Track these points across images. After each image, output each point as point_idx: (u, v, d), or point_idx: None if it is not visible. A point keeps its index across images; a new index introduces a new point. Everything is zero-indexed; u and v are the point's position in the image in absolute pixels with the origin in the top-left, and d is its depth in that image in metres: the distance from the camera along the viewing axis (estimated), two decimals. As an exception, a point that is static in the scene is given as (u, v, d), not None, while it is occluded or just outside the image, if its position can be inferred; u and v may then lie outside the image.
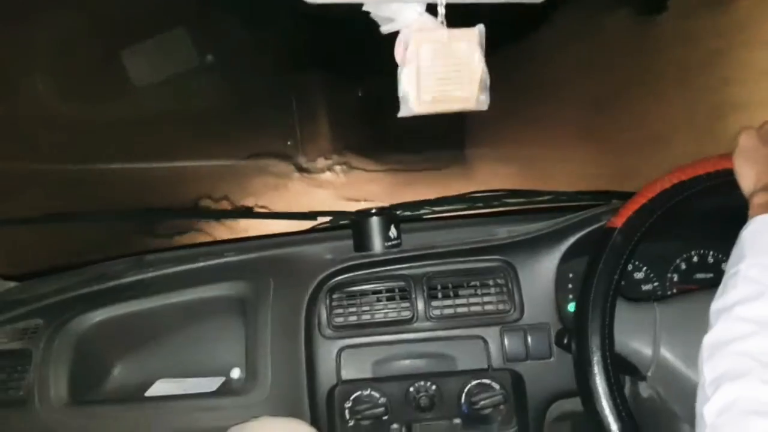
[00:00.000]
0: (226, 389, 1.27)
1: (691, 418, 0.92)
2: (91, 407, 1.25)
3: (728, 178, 0.93)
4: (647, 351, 1.02)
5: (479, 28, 0.78)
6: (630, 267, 1.33)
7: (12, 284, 1.48)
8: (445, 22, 0.76)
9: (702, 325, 0.78)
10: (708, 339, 0.77)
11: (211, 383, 1.29)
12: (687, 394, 0.94)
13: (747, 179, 0.90)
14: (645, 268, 1.33)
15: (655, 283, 1.33)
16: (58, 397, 1.23)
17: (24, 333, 1.29)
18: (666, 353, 1.00)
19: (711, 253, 1.33)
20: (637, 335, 1.02)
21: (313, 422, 1.17)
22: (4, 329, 1.31)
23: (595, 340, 0.94)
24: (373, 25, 0.80)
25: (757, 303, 0.75)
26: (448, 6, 0.76)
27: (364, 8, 0.77)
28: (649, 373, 1.02)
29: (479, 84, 0.77)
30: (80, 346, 1.28)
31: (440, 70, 0.76)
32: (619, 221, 0.99)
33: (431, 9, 0.77)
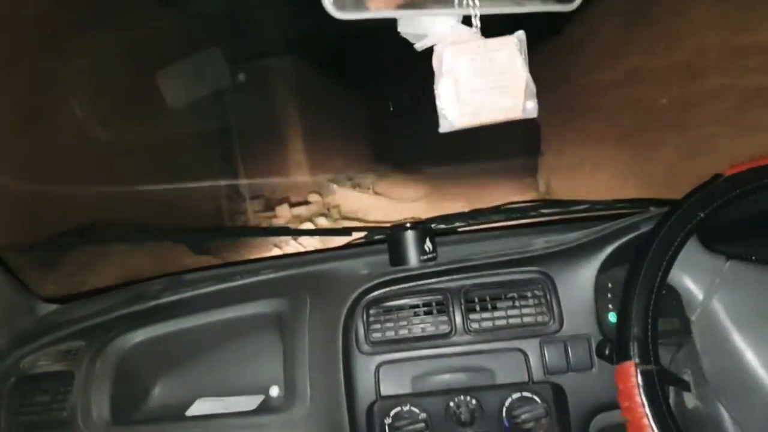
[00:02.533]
0: (266, 407, 1.28)
1: (736, 407, 0.90)
2: (133, 427, 1.27)
3: None
4: (698, 294, 1.00)
5: (518, 36, 0.77)
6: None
7: (54, 307, 1.51)
8: (479, 32, 0.75)
9: (762, 299, 0.76)
10: None
11: (251, 401, 1.29)
12: (725, 357, 0.95)
13: None
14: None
15: None
16: (100, 417, 1.24)
17: (66, 355, 1.31)
18: (716, 304, 0.98)
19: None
20: (696, 274, 1.00)
21: None
22: (47, 351, 1.33)
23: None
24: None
25: None
26: (485, 16, 0.75)
27: (399, 30, 0.77)
28: (693, 317, 1.00)
29: (524, 92, 0.76)
30: (121, 366, 1.29)
31: (480, 80, 0.75)
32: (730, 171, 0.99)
33: (466, 20, 0.76)
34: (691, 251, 0.98)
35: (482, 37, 0.75)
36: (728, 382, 0.96)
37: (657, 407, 0.88)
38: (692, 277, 1.00)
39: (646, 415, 0.88)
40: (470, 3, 0.74)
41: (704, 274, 1.00)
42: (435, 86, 0.75)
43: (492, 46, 0.76)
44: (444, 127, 0.76)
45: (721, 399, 0.99)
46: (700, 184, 1.00)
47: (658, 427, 0.87)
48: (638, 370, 0.90)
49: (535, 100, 0.77)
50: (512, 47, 0.76)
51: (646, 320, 0.93)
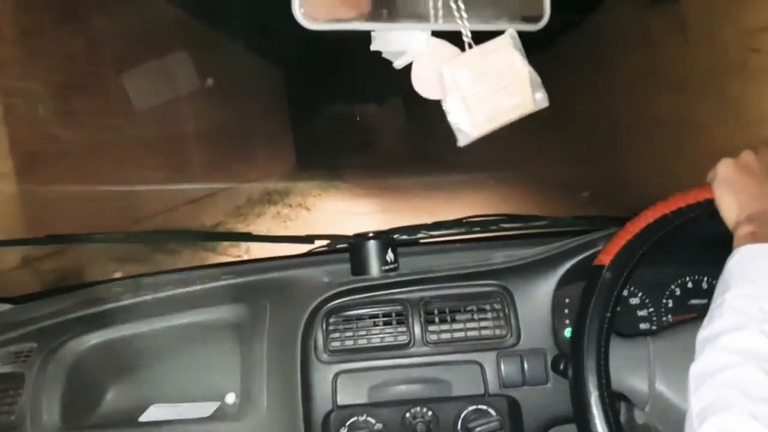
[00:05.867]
0: (221, 414, 1.26)
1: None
2: None
3: (711, 209, 0.94)
4: (643, 387, 1.01)
5: (509, 33, 0.78)
6: (625, 293, 1.32)
7: (6, 306, 1.47)
8: (472, 45, 0.76)
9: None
10: (694, 369, 0.76)
11: (206, 408, 1.28)
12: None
13: (729, 210, 0.91)
14: (640, 294, 1.33)
15: (651, 309, 1.32)
16: (50, 421, 1.21)
17: (17, 356, 1.28)
18: (662, 388, 1.00)
19: (705, 278, 1.33)
20: (632, 371, 1.02)
21: None
22: None
23: (591, 374, 0.94)
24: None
25: (741, 333, 0.75)
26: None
27: (372, 48, 0.77)
28: (646, 409, 1.02)
29: (530, 85, 0.77)
30: (74, 369, 1.26)
31: (484, 87, 0.75)
32: (606, 258, 1.00)
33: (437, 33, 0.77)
34: (616, 348, 0.99)
35: (475, 45, 0.76)
36: None
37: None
38: (630, 374, 1.02)
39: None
40: (445, 16, 0.75)
41: (637, 364, 1.02)
42: (443, 105, 0.76)
43: (487, 50, 0.76)
44: (462, 141, 0.77)
45: None
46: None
47: None
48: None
49: (543, 90, 0.78)
50: (507, 46, 0.77)
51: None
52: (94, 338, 1.29)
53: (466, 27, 0.76)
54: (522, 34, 0.78)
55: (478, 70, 0.76)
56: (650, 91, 6.20)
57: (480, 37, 0.77)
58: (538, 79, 0.78)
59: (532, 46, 0.78)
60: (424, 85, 0.77)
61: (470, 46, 0.77)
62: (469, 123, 0.75)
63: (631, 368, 1.02)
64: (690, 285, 1.34)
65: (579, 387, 0.94)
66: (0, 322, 1.40)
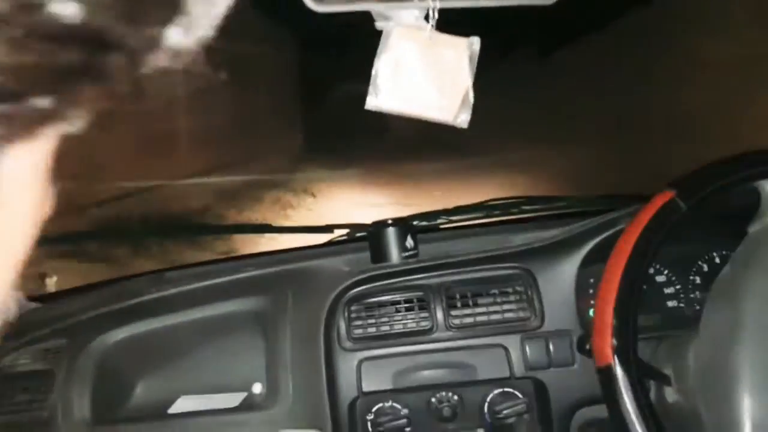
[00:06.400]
0: (249, 404, 1.27)
1: (717, 420, 0.91)
2: (114, 426, 1.26)
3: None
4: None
5: (472, 40, 0.74)
6: (651, 270, 1.31)
7: (35, 305, 1.50)
8: (434, 27, 0.74)
9: None
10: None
11: (234, 399, 1.29)
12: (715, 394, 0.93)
13: None
14: (666, 272, 1.31)
15: (678, 286, 1.31)
16: (81, 416, 1.23)
17: (47, 353, 1.30)
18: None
19: (732, 253, 1.31)
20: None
21: None
22: (28, 350, 1.32)
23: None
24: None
25: None
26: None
27: (365, 7, 0.75)
28: (751, 229, 0.99)
29: (461, 99, 0.74)
30: (103, 365, 1.28)
31: (421, 71, 0.72)
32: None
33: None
34: None
35: (435, 31, 0.73)
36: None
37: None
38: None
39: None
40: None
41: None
42: (375, 61, 0.73)
43: (441, 42, 0.73)
44: (370, 104, 0.74)
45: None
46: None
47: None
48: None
49: (470, 113, 0.74)
50: (462, 50, 0.74)
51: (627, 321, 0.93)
52: (121, 333, 1.31)
53: (435, 6, 0.72)
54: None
55: (424, 53, 0.73)
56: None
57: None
58: (472, 99, 0.75)
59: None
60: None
61: (433, 27, 0.74)
62: (387, 93, 0.72)
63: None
64: (717, 260, 1.32)
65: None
66: (29, 320, 1.42)
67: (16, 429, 1.25)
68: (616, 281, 0.92)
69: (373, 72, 0.74)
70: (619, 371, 0.90)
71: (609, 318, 0.92)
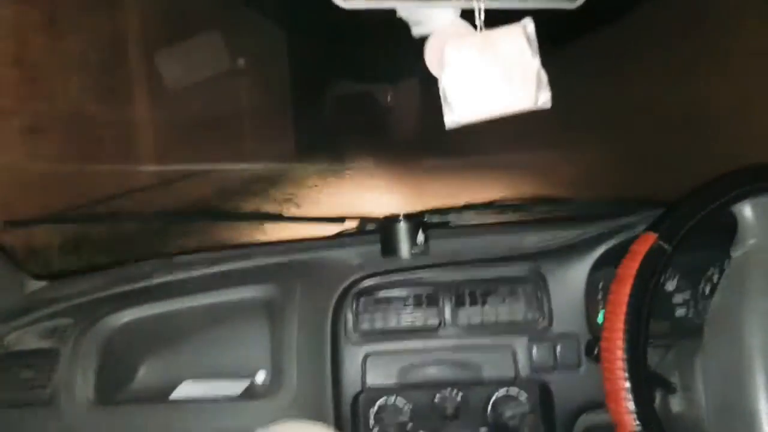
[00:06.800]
0: (252, 392, 1.27)
1: (719, 427, 0.89)
2: (116, 407, 1.26)
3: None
4: (755, 226, 0.96)
5: (524, 24, 0.73)
6: (661, 279, 1.30)
7: (42, 284, 1.50)
8: (483, 28, 0.73)
9: None
10: None
11: (237, 386, 1.29)
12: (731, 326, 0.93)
13: None
14: (677, 278, 1.30)
15: (687, 295, 1.30)
16: (84, 396, 1.24)
17: (53, 332, 1.30)
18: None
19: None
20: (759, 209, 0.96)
21: (338, 427, 1.16)
22: (34, 328, 1.33)
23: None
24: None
25: None
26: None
27: (398, 14, 0.75)
28: (734, 254, 0.98)
29: (536, 82, 0.73)
30: (108, 346, 1.28)
31: (487, 72, 0.71)
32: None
33: (466, 15, 0.75)
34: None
35: (485, 30, 0.73)
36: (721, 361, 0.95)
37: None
38: (754, 208, 0.96)
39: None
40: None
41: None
42: (439, 81, 0.73)
43: (495, 36, 0.72)
44: (449, 123, 0.73)
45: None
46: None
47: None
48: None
49: (548, 91, 0.73)
50: (518, 35, 0.73)
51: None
52: (128, 316, 1.31)
53: (480, 6, 0.72)
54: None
55: (485, 54, 0.72)
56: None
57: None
58: (545, 78, 0.73)
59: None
60: (434, 61, 0.74)
61: (481, 29, 0.73)
62: (461, 106, 0.72)
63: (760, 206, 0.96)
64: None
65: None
66: (37, 298, 1.43)
67: (18, 406, 1.25)
68: (618, 340, 0.90)
69: (441, 91, 0.72)
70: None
71: (622, 391, 0.90)
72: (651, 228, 0.95)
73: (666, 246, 0.93)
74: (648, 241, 0.94)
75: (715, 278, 1.30)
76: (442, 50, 0.73)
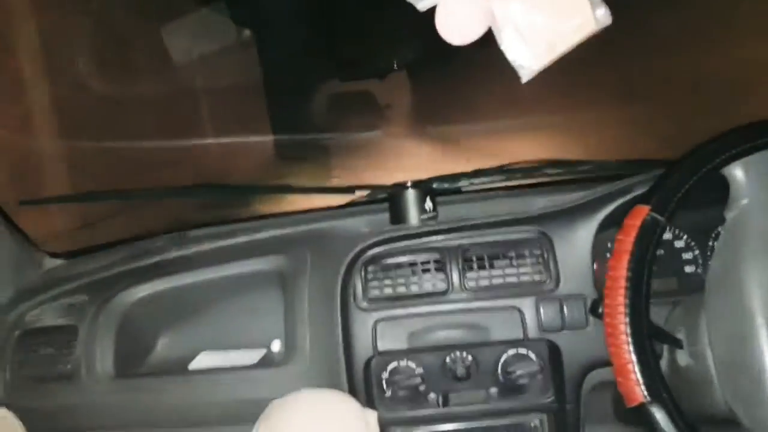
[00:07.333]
0: (267, 361, 1.30)
1: (726, 382, 0.90)
2: (136, 380, 1.29)
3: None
4: (745, 184, 0.96)
5: None
6: (670, 236, 1.30)
7: (60, 262, 1.53)
8: None
9: None
10: None
11: (253, 355, 1.32)
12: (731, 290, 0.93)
13: None
14: (685, 237, 1.30)
15: (696, 252, 1.30)
16: (104, 370, 1.27)
17: (70, 309, 1.33)
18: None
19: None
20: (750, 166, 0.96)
21: (351, 393, 1.18)
22: (52, 306, 1.36)
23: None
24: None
25: None
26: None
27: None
28: (729, 215, 0.98)
29: (588, 1, 0.71)
30: (124, 321, 1.31)
31: (539, 15, 0.70)
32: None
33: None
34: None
35: None
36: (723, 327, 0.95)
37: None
38: (744, 168, 0.96)
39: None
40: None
41: (760, 166, 0.96)
42: (499, 43, 0.71)
43: None
44: (525, 76, 0.72)
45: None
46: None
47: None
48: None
49: (604, 5, 0.71)
50: None
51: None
52: (143, 290, 1.34)
53: None
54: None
55: None
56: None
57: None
58: None
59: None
60: (452, 28, 0.72)
61: None
62: (529, 56, 0.70)
63: (754, 163, 0.96)
64: None
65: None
66: (54, 276, 1.46)
67: (40, 382, 1.29)
68: (621, 316, 0.91)
69: (505, 51, 0.71)
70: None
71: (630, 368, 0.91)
72: (642, 200, 0.96)
73: (659, 217, 0.93)
74: (641, 214, 0.94)
75: None
76: (486, 12, 0.71)
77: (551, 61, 0.72)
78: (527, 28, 0.71)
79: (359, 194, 1.45)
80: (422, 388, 1.18)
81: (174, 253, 1.39)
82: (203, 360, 1.33)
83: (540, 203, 1.32)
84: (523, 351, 1.18)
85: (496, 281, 1.20)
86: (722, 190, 1.05)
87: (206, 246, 1.40)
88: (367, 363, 1.19)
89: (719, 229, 1.28)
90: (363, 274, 1.22)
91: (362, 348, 1.20)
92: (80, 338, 1.29)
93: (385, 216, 1.33)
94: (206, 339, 1.37)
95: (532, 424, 1.19)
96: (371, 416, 1.04)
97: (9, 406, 1.26)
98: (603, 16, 0.72)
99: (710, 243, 1.30)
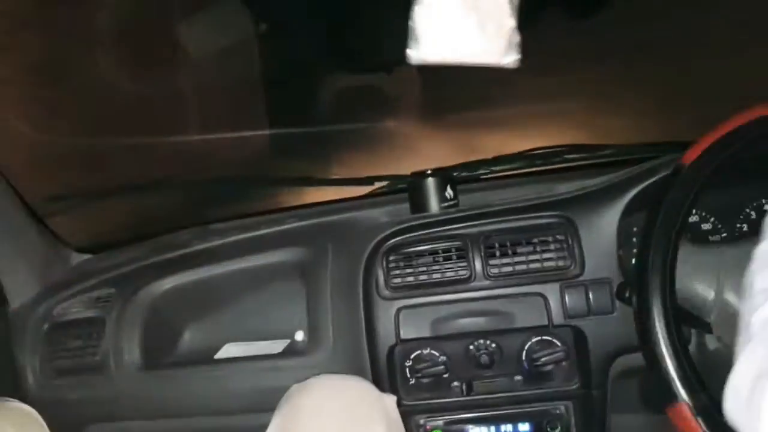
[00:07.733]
0: (291, 351, 1.31)
1: None
2: (163, 370, 1.31)
3: None
4: (709, 294, 0.98)
5: None
6: (696, 218, 1.28)
7: (87, 256, 1.55)
8: None
9: None
10: (763, 247, 0.73)
11: (277, 345, 1.33)
12: None
13: None
14: (713, 219, 1.28)
15: (724, 234, 1.28)
16: (131, 361, 1.29)
17: (97, 302, 1.35)
18: (729, 297, 0.96)
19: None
20: (699, 277, 0.98)
21: (375, 381, 1.18)
22: (80, 299, 1.38)
23: (656, 285, 0.90)
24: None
25: None
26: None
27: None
28: (711, 318, 0.98)
29: (507, 39, 0.72)
30: (151, 312, 1.33)
31: (463, 17, 0.71)
32: (692, 155, 0.94)
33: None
34: (685, 254, 0.95)
35: None
36: None
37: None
38: (697, 280, 0.98)
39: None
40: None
41: (706, 270, 0.98)
42: (412, 13, 0.72)
43: None
44: (412, 57, 0.73)
45: None
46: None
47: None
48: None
49: (518, 52, 0.73)
50: None
51: (666, 250, 0.91)
52: (168, 283, 1.35)
53: None
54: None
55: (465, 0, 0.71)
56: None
57: None
58: (517, 39, 0.73)
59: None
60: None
61: None
62: (429, 44, 0.71)
63: (699, 273, 0.98)
64: (767, 207, 1.28)
65: (644, 312, 0.92)
66: (81, 271, 1.48)
67: (69, 374, 1.31)
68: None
69: (411, 24, 0.72)
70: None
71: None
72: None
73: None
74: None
75: (753, 216, 1.28)
76: None
77: (442, 62, 0.72)
78: (445, 20, 0.71)
79: (378, 185, 1.45)
80: (446, 375, 1.18)
81: (197, 246, 1.41)
82: (229, 350, 1.34)
83: (562, 189, 1.30)
84: (547, 338, 1.17)
85: (519, 267, 1.19)
86: (748, 171, 1.03)
87: (229, 239, 1.41)
88: (390, 351, 1.19)
89: (747, 210, 1.27)
90: (385, 263, 1.22)
91: (385, 336, 1.20)
92: (108, 330, 1.31)
93: (406, 206, 1.33)
94: (230, 330, 1.38)
95: (557, 412, 1.18)
96: (390, 400, 1.04)
97: (39, 398, 1.28)
98: (510, 59, 0.73)
99: (738, 225, 1.28)
